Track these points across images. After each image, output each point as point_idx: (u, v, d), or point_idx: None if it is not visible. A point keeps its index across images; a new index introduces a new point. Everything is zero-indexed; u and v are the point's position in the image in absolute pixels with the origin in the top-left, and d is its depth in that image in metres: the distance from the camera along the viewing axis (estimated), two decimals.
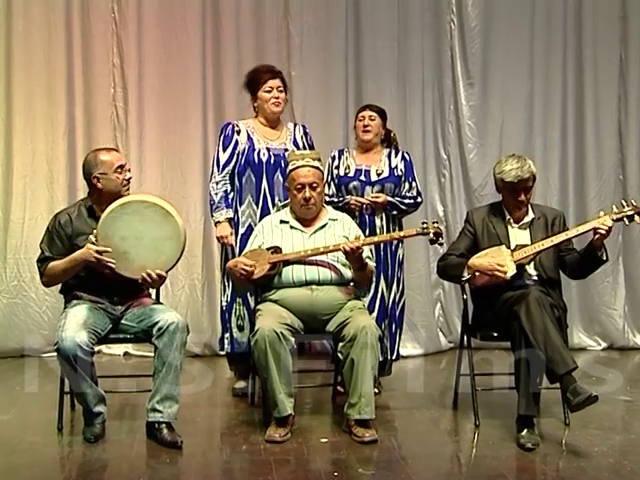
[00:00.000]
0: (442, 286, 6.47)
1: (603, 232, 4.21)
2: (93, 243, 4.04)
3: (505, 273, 4.26)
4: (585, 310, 6.54)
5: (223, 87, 6.21)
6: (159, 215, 4.11)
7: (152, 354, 4.14)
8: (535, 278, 4.39)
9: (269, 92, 4.96)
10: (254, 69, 5.11)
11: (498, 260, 4.30)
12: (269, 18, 6.25)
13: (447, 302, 6.53)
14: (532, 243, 4.41)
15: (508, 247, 4.40)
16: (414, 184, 5.06)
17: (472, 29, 6.44)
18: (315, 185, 4.43)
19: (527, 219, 4.49)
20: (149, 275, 4.09)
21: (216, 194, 4.92)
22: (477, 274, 4.35)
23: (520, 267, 4.33)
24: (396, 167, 5.04)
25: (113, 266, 4.05)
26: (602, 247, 4.31)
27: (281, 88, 5.00)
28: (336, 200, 4.98)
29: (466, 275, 4.38)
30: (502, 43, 6.46)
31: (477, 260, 4.37)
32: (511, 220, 4.49)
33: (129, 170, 4.30)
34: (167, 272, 4.21)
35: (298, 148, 4.95)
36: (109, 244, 4.04)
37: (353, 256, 4.28)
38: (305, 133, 5.12)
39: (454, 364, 4.75)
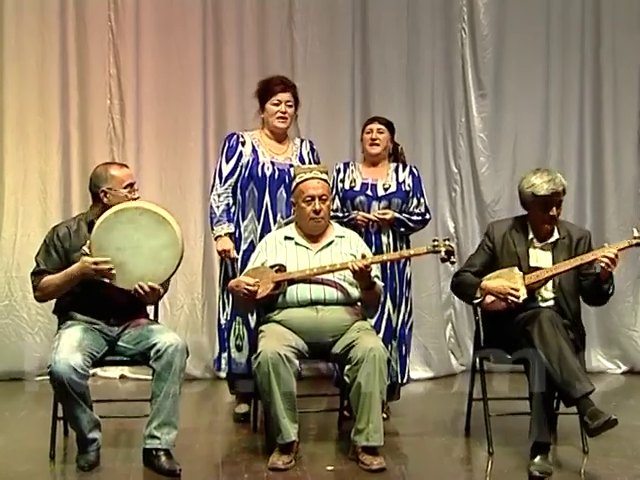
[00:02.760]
0: (453, 306, 6.45)
1: (604, 264, 4.18)
2: (87, 254, 4.03)
3: (518, 297, 4.25)
4: (604, 332, 6.51)
5: (225, 99, 6.23)
6: (155, 222, 4.10)
7: (150, 377, 4.12)
8: (551, 303, 4.37)
9: (276, 105, 4.97)
10: (267, 79, 5.12)
11: (511, 283, 4.29)
12: (272, 27, 6.28)
13: (458, 323, 6.51)
14: (553, 264, 4.37)
15: (523, 269, 4.36)
16: (422, 200, 5.06)
17: (484, 37, 6.45)
18: (325, 197, 4.44)
19: (552, 239, 4.43)
20: (142, 287, 4.07)
21: (217, 207, 4.93)
22: (489, 297, 4.34)
23: (531, 291, 4.31)
24: (403, 182, 5.05)
25: (109, 275, 4.03)
26: (608, 279, 4.28)
27: (290, 103, 5.00)
28: (340, 215, 4.98)
29: (478, 297, 4.37)
30: (515, 52, 6.47)
31: (489, 282, 4.36)
32: (534, 240, 4.44)
33: (137, 190, 4.29)
34: (167, 281, 4.21)
35: (304, 164, 4.95)
36: (104, 255, 4.03)
37: (361, 275, 4.27)
38: (312, 149, 5.13)
39: (466, 388, 4.73)
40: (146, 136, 6.18)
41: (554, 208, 4.35)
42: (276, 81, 5.05)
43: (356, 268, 4.24)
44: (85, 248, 4.05)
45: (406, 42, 6.36)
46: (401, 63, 6.33)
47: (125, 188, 4.20)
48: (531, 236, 4.44)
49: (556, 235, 4.44)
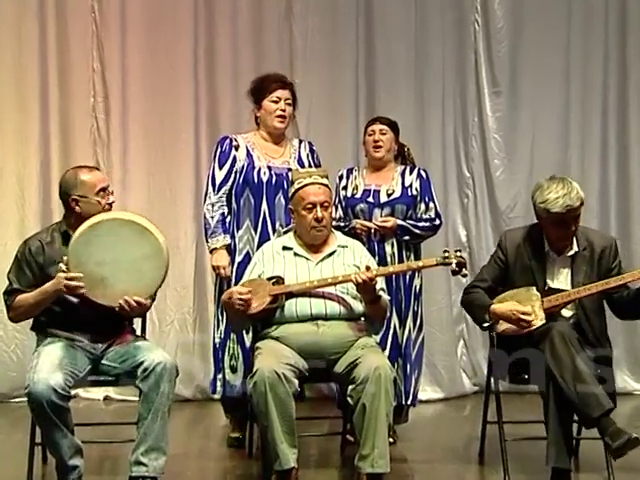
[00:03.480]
0: (465, 321, 6.44)
1: None
2: (64, 271, 4.02)
3: (530, 324, 4.22)
4: (631, 350, 6.49)
5: (218, 97, 6.27)
6: (135, 233, 4.10)
7: (136, 398, 4.11)
8: (571, 322, 4.34)
9: (275, 102, 4.97)
10: (263, 76, 5.12)
11: (525, 307, 4.27)
12: (269, 19, 6.30)
13: (471, 339, 6.52)
14: (572, 280, 4.35)
15: (538, 285, 4.35)
16: (432, 205, 5.08)
17: (499, 30, 6.47)
18: (327, 204, 4.45)
19: (570, 252, 4.38)
20: (127, 303, 4.07)
21: (212, 217, 4.94)
22: (500, 322, 4.33)
23: (550, 316, 4.29)
24: (410, 186, 5.06)
25: (85, 292, 4.02)
26: None
27: (289, 101, 5.02)
28: (341, 225, 5.00)
29: (488, 321, 4.36)
30: (533, 45, 6.48)
31: (499, 307, 4.33)
32: (550, 252, 4.40)
33: (112, 193, 4.29)
34: (154, 295, 4.22)
35: (303, 168, 4.94)
36: (84, 271, 4.03)
37: (365, 288, 4.28)
38: (311, 151, 5.14)
39: (480, 410, 4.74)
40: (133, 137, 6.21)
41: (571, 225, 4.29)
42: (274, 78, 5.06)
43: (360, 281, 4.25)
44: (62, 265, 4.04)
45: (414, 35, 6.38)
46: (409, 58, 6.35)
47: (98, 194, 4.19)
48: (547, 248, 4.40)
49: (575, 247, 4.39)
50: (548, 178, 4.39)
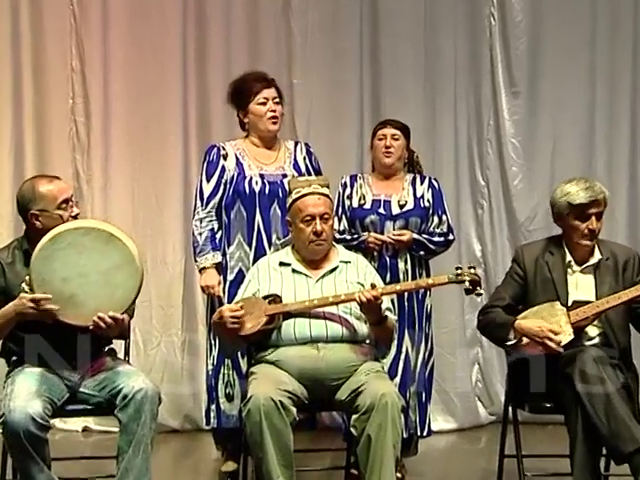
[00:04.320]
0: (480, 344, 6.44)
1: None
2: (26, 292, 4.00)
3: (559, 343, 4.25)
4: None
5: (209, 97, 6.28)
6: (101, 241, 4.05)
7: (117, 429, 4.12)
8: (596, 340, 4.36)
9: (264, 104, 4.98)
10: (241, 78, 5.12)
11: (551, 323, 4.29)
12: (265, 14, 6.32)
13: (487, 364, 6.52)
14: (597, 292, 4.39)
15: (561, 298, 4.38)
16: (444, 218, 5.10)
17: (517, 24, 6.46)
18: (327, 216, 4.44)
19: (593, 260, 4.45)
20: (102, 319, 4.03)
21: (200, 234, 4.95)
22: (524, 340, 4.34)
23: (578, 331, 4.31)
24: (422, 197, 5.09)
25: (56, 313, 4.00)
26: None
27: (277, 99, 5.03)
28: (348, 238, 5.01)
29: (512, 339, 4.37)
30: (555, 41, 6.47)
31: (524, 322, 4.35)
32: (572, 262, 4.45)
33: (76, 203, 4.26)
34: (131, 309, 4.20)
35: (300, 173, 4.97)
36: (49, 291, 4.00)
37: (370, 308, 4.28)
38: (309, 153, 5.15)
39: (496, 442, 4.74)
40: (116, 142, 6.23)
41: (594, 220, 4.38)
42: (255, 77, 5.07)
43: (364, 300, 4.24)
44: (24, 285, 4.02)
45: (423, 31, 6.39)
46: (417, 56, 6.36)
47: (59, 207, 4.16)
48: (569, 258, 4.45)
49: (598, 256, 4.46)
50: (567, 179, 4.50)
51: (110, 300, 4.08)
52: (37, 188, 4.17)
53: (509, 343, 4.38)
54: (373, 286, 4.30)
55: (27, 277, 4.04)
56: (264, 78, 5.07)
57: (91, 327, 4.06)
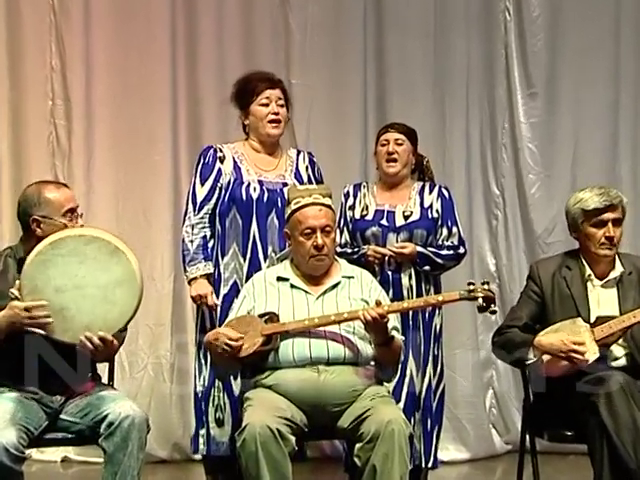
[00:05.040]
0: (495, 366, 6.45)
1: None
2: (17, 298, 4.00)
3: (585, 356, 4.24)
4: None
5: (200, 100, 6.30)
6: (104, 253, 4.07)
7: (100, 460, 4.10)
8: (622, 361, 4.37)
9: (266, 106, 5.00)
10: (246, 76, 5.14)
11: (574, 338, 4.31)
12: (261, 8, 6.34)
13: (502, 388, 6.52)
14: (620, 307, 4.39)
15: (582, 314, 4.39)
16: (455, 229, 5.11)
17: (534, 20, 6.49)
18: (328, 229, 4.44)
19: (614, 274, 4.46)
20: (89, 339, 4.03)
21: (191, 242, 4.96)
22: (546, 358, 4.36)
23: (604, 349, 4.30)
24: (430, 207, 5.10)
25: (47, 328, 4.00)
26: None
27: (282, 101, 5.04)
28: (349, 251, 5.03)
29: (532, 358, 4.38)
30: (575, 38, 6.49)
31: (545, 338, 4.36)
32: (592, 276, 4.47)
33: (81, 216, 4.28)
34: (124, 330, 4.20)
35: (301, 183, 4.96)
36: (40, 300, 4.01)
37: (376, 327, 4.28)
38: (312, 163, 5.17)
39: (513, 474, 4.72)
40: (99, 147, 6.24)
41: (611, 226, 4.39)
42: (260, 76, 5.09)
43: (369, 318, 4.23)
44: (14, 291, 4.02)
45: (432, 27, 6.42)
46: (426, 54, 6.39)
47: (64, 215, 4.19)
48: (588, 272, 4.47)
49: (620, 269, 4.47)
50: (581, 188, 4.53)
51: (104, 319, 4.08)
52: (43, 193, 4.20)
53: (529, 362, 4.38)
54: (379, 303, 4.29)
55: (17, 282, 4.04)
56: (269, 78, 5.08)
57: (78, 346, 4.06)
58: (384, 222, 5.05)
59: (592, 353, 4.27)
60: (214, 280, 4.96)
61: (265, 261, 4.91)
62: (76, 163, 6.24)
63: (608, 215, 4.40)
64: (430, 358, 5.09)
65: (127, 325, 4.21)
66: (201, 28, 6.33)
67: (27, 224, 4.21)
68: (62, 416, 4.18)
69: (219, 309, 4.91)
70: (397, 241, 5.02)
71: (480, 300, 4.31)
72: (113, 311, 4.10)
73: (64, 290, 4.04)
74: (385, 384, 4.52)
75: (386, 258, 4.99)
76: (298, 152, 5.23)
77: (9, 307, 4.03)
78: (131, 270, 4.12)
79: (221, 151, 5.05)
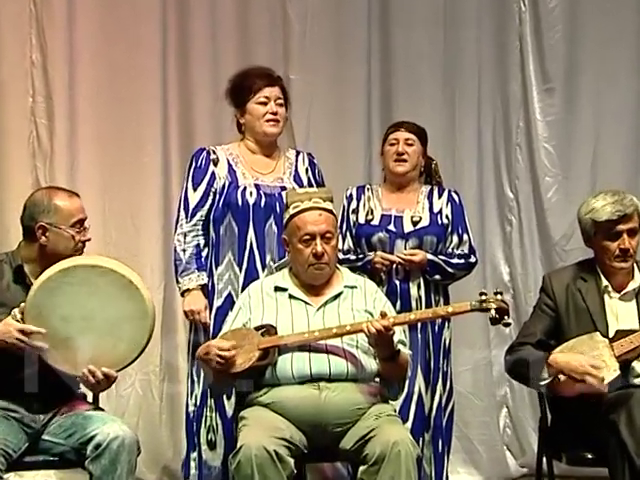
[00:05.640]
0: (509, 383, 6.43)
1: None
2: (17, 321, 4.02)
3: (602, 380, 4.23)
4: None
5: (192, 97, 6.31)
6: (117, 286, 4.11)
7: None
8: None
9: (264, 104, 5.00)
10: (243, 72, 5.15)
11: (591, 357, 4.28)
12: None
13: (517, 407, 6.51)
14: None
15: (599, 328, 4.39)
16: (465, 237, 5.13)
17: (551, 10, 6.48)
18: (329, 235, 4.44)
19: (633, 285, 4.47)
20: (92, 373, 4.07)
21: (184, 251, 4.97)
22: (561, 378, 4.35)
23: (625, 365, 4.32)
24: (440, 212, 5.12)
25: (44, 352, 4.03)
26: None
27: (281, 100, 5.05)
28: (353, 258, 5.04)
29: (546, 378, 4.38)
30: (595, 29, 6.49)
31: (561, 357, 4.34)
32: (609, 288, 4.47)
33: (88, 229, 4.31)
34: (128, 366, 4.23)
35: (301, 187, 4.97)
36: (43, 327, 4.03)
37: (380, 340, 4.26)
38: (312, 165, 5.18)
39: None
40: (83, 148, 6.22)
41: (626, 238, 4.38)
42: (258, 73, 5.09)
43: (373, 331, 4.23)
44: (16, 312, 4.04)
45: (442, 16, 6.42)
46: (435, 47, 6.40)
47: (73, 226, 4.22)
48: (604, 284, 4.47)
49: (639, 279, 4.49)
50: (596, 192, 4.53)
51: (110, 353, 4.12)
52: (53, 199, 4.24)
53: (543, 382, 4.37)
54: (383, 315, 4.29)
55: (22, 304, 4.06)
56: (268, 75, 5.09)
57: (79, 379, 4.13)
58: (391, 228, 5.07)
59: (612, 370, 4.26)
60: (207, 292, 4.96)
61: (263, 271, 4.91)
62: (58, 165, 6.21)
63: (622, 226, 4.39)
64: (440, 374, 5.09)
65: (133, 362, 4.24)
66: (193, 19, 6.31)
67: (31, 230, 4.24)
68: (44, 437, 4.20)
69: (212, 321, 4.91)
70: (406, 248, 5.03)
71: (493, 311, 4.30)
72: (119, 347, 4.15)
73: (70, 320, 4.08)
74: (391, 402, 4.52)
75: (394, 266, 5.00)
76: (297, 153, 5.24)
77: (3, 323, 4.05)
78: (143, 307, 4.16)
79: (214, 153, 5.07)
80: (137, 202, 6.27)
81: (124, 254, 5.97)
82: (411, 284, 5.03)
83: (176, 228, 5.03)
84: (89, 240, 4.30)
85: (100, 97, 6.27)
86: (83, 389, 4.39)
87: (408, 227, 5.08)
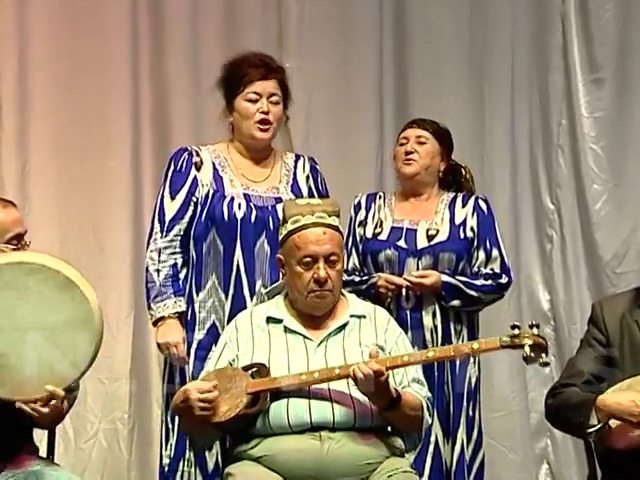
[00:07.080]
0: (550, 433, 6.47)
1: None
2: None
3: None
4: None
5: (169, 89, 6.37)
6: (52, 286, 4.01)
7: None
8: None
9: (253, 102, 4.96)
10: (237, 59, 5.08)
11: None
12: None
13: (560, 462, 6.54)
14: None
15: None
16: (495, 252, 5.12)
17: None
18: (334, 258, 4.39)
19: None
20: (54, 393, 3.99)
21: (158, 271, 4.94)
22: (615, 423, 4.35)
23: None
24: (463, 224, 5.11)
25: None
26: None
27: (276, 98, 4.99)
28: (357, 280, 5.05)
29: (595, 424, 4.36)
30: None
31: (610, 397, 4.33)
32: None
33: (29, 244, 4.29)
34: (76, 387, 4.21)
35: (300, 197, 4.93)
36: None
37: (368, 387, 4.18)
38: (314, 171, 5.16)
39: None
40: (36, 151, 6.27)
41: None
42: (252, 61, 5.03)
43: (360, 376, 4.16)
44: None
45: None
46: (459, 31, 6.46)
47: (9, 242, 4.21)
48: None
49: None
50: None
51: (52, 371, 4.02)
52: None
53: (591, 430, 4.36)
54: (373, 355, 4.21)
55: None
56: (266, 64, 5.03)
57: (18, 405, 4.03)
58: (401, 244, 5.06)
59: None
60: (186, 322, 4.94)
61: (252, 299, 4.90)
62: (6, 170, 6.26)
63: None
64: (462, 421, 5.08)
65: (80, 379, 4.17)
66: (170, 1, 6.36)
67: None
68: None
69: (192, 358, 4.88)
70: (417, 268, 5.02)
71: (527, 348, 4.22)
72: (62, 361, 4.06)
73: (0, 332, 4.02)
74: (407, 455, 4.50)
75: (403, 290, 4.99)
76: (297, 158, 5.20)
77: None
78: (87, 309, 4.05)
79: (198, 155, 5.03)
80: (101, 214, 6.30)
81: (85, 276, 5.96)
82: (424, 313, 5.03)
83: (149, 244, 4.99)
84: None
85: (57, 91, 6.33)
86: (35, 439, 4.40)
87: (422, 242, 5.07)
